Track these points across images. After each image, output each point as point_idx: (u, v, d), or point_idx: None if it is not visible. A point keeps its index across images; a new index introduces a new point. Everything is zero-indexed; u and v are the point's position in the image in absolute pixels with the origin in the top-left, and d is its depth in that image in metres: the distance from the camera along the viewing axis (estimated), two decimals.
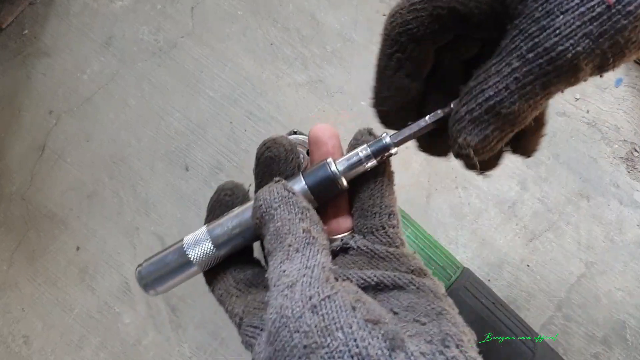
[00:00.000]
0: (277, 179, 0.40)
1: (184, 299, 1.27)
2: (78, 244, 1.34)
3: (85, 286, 1.31)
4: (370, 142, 0.40)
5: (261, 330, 0.36)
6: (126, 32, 1.48)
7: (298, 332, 0.30)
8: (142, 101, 1.42)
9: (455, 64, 0.37)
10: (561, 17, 0.27)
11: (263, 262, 0.44)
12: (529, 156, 0.40)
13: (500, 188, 1.24)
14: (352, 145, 0.41)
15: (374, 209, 0.40)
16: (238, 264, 0.42)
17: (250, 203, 0.40)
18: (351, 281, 0.37)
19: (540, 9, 0.28)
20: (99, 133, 1.41)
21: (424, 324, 0.34)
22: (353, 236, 0.40)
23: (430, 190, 1.25)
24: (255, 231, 0.39)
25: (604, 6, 0.26)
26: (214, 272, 0.42)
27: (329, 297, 0.31)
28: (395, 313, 0.35)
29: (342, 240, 0.40)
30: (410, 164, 1.27)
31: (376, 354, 0.29)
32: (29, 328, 1.29)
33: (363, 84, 1.34)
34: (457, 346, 0.31)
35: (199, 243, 0.40)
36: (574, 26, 0.27)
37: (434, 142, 0.42)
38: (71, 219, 1.36)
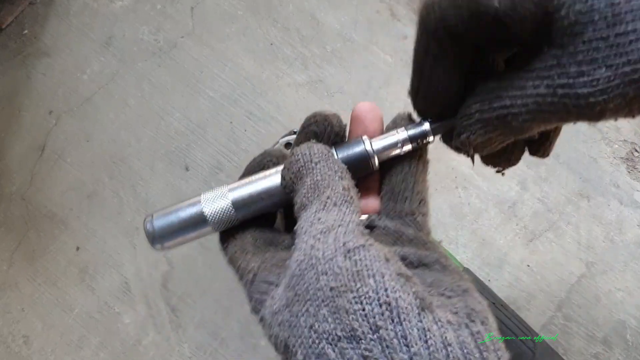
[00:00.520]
0: (314, 141, 0.38)
1: (184, 299, 1.27)
2: (78, 244, 1.34)
3: (85, 286, 1.31)
4: (410, 126, 0.38)
5: (276, 286, 0.33)
6: (126, 32, 1.48)
7: (326, 274, 0.28)
8: (142, 101, 1.42)
9: (496, 61, 0.37)
10: (604, 70, 0.26)
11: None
12: (544, 157, 0.40)
13: (500, 188, 1.24)
14: (389, 129, 0.40)
15: (405, 193, 0.39)
16: (258, 225, 0.39)
17: (279, 167, 0.38)
18: None
19: (586, 53, 0.27)
20: (99, 133, 1.41)
21: (449, 297, 0.32)
22: (380, 217, 0.39)
23: (430, 190, 1.25)
24: (286, 188, 0.37)
25: None
26: (230, 231, 0.39)
27: (363, 245, 0.30)
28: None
29: (369, 217, 0.39)
30: None
31: (406, 307, 0.28)
32: (28, 328, 1.29)
33: (363, 83, 1.34)
34: (482, 323, 0.30)
35: (217, 201, 0.38)
36: (613, 83, 0.26)
37: (498, 152, 0.41)
38: (71, 219, 1.36)
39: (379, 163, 0.38)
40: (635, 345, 1.13)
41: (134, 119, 1.41)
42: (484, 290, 0.96)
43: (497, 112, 0.32)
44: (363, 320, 0.27)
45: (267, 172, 0.38)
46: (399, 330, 0.27)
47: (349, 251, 0.29)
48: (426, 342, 0.27)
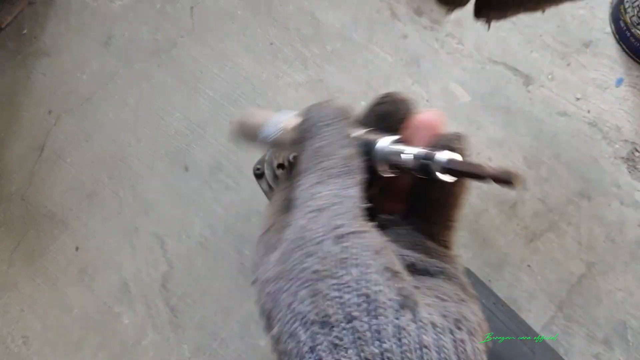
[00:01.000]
0: (330, 100, 0.37)
1: (184, 299, 1.26)
2: (77, 244, 1.34)
3: (85, 286, 1.30)
4: (423, 154, 0.32)
5: (275, 249, 0.33)
6: (126, 31, 1.48)
7: (312, 256, 0.28)
8: (141, 101, 1.41)
9: None
10: None
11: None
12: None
13: (500, 188, 1.23)
14: (431, 144, 0.35)
15: (434, 216, 0.37)
16: None
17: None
18: None
19: None
20: (98, 133, 1.41)
21: (444, 300, 0.32)
22: (406, 224, 0.37)
23: None
24: (291, 145, 0.37)
25: None
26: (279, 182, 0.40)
27: (355, 232, 0.29)
28: (416, 287, 0.32)
29: (392, 215, 0.37)
30: None
31: (384, 302, 0.27)
32: (28, 328, 1.29)
33: (363, 83, 1.34)
34: (469, 332, 0.30)
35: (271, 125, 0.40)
36: None
37: None
38: (71, 219, 1.36)
39: (390, 171, 0.35)
40: (636, 345, 1.13)
41: (134, 119, 1.40)
42: (485, 290, 0.96)
43: None
44: (339, 308, 0.27)
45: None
46: (374, 324, 0.27)
47: (338, 237, 0.29)
48: (399, 340, 0.27)
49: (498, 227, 1.21)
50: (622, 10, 1.28)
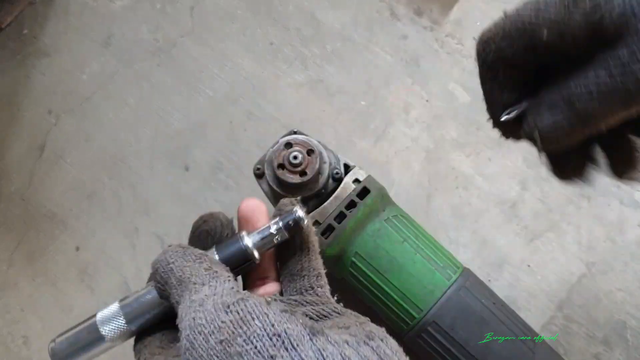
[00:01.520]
0: (169, 245, 0.41)
1: None
2: (78, 244, 1.34)
3: (85, 286, 1.30)
4: (282, 216, 0.42)
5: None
6: (125, 31, 1.48)
7: (213, 333, 0.29)
8: (141, 101, 1.42)
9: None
10: None
11: None
12: (633, 177, 0.44)
13: (500, 188, 1.23)
14: (274, 215, 0.43)
15: (303, 272, 0.42)
16: (167, 327, 0.42)
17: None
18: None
19: (637, 40, 0.30)
20: (98, 133, 1.41)
21: (348, 327, 0.34)
22: (282, 297, 0.42)
23: (430, 190, 1.24)
24: (161, 297, 0.40)
25: None
26: (140, 337, 0.43)
27: (242, 299, 0.31)
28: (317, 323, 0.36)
29: (272, 297, 0.41)
30: (410, 163, 1.26)
31: (297, 335, 0.29)
32: (28, 328, 1.29)
33: (363, 83, 1.34)
34: (382, 340, 0.32)
35: (111, 319, 0.41)
36: None
37: (565, 164, 0.45)
38: (71, 219, 1.36)
39: (262, 253, 0.42)
40: (635, 345, 1.13)
41: (134, 119, 1.40)
42: (485, 290, 0.96)
43: (564, 95, 0.35)
44: (257, 356, 0.28)
45: (151, 283, 0.43)
46: (295, 356, 0.27)
47: (228, 306, 0.30)
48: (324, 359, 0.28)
49: (498, 227, 1.22)
50: None
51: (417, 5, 1.39)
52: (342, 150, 1.03)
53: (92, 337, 0.42)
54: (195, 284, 0.34)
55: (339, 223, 0.89)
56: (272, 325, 0.29)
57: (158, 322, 0.43)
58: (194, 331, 0.30)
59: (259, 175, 0.91)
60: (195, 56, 1.43)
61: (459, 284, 0.90)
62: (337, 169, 0.91)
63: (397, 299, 0.90)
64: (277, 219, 0.42)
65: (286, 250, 0.43)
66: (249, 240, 0.41)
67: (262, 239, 0.41)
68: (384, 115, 1.31)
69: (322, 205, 0.89)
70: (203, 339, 0.29)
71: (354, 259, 0.91)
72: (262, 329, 0.28)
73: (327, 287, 0.43)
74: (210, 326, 0.29)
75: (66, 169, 1.40)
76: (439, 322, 0.88)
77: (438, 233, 1.20)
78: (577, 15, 0.32)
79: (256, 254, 0.41)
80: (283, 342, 0.28)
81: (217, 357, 0.28)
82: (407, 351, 0.37)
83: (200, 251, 0.39)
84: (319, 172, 0.87)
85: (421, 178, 1.25)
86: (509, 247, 1.20)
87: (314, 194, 0.89)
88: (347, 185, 0.91)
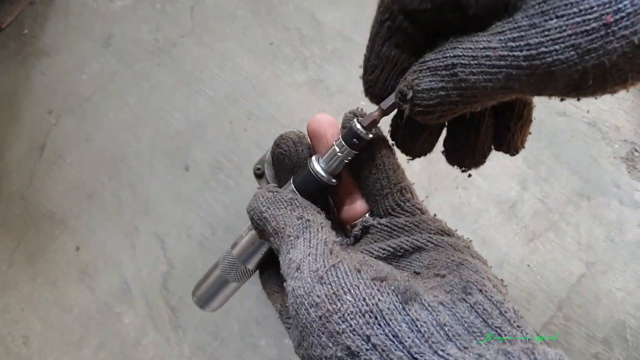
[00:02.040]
0: (258, 187, 0.42)
1: (184, 298, 1.26)
2: (78, 244, 1.34)
3: (85, 286, 1.30)
4: (344, 133, 0.39)
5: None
6: (126, 31, 1.48)
7: (313, 306, 0.31)
8: (141, 101, 1.42)
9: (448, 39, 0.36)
10: (554, 20, 0.26)
11: None
12: (513, 154, 0.40)
13: (500, 188, 1.24)
14: (340, 131, 0.42)
15: (384, 190, 0.41)
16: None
17: None
18: (372, 254, 0.38)
19: (537, 7, 0.27)
20: (98, 133, 1.41)
21: (444, 276, 0.34)
22: (374, 218, 0.41)
23: (430, 190, 1.24)
24: (263, 238, 0.41)
25: (600, 22, 0.25)
26: (265, 272, 0.46)
27: (333, 266, 0.32)
28: (417, 273, 0.36)
29: (362, 221, 0.41)
30: (410, 164, 1.27)
31: (388, 308, 0.29)
32: (28, 328, 1.29)
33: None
34: (480, 291, 0.31)
35: (231, 266, 0.46)
36: (564, 33, 0.26)
37: (410, 138, 0.40)
38: (71, 219, 1.36)
39: (336, 175, 0.40)
40: (635, 345, 1.13)
41: (134, 119, 1.40)
42: None
43: (448, 61, 0.31)
44: (354, 335, 0.29)
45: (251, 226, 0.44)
46: (389, 331, 0.28)
47: (321, 278, 0.31)
48: (419, 331, 0.28)
49: (498, 227, 1.22)
50: None
51: None
52: None
53: (222, 282, 0.48)
54: (290, 236, 0.36)
55: None
56: (364, 300, 0.30)
57: (272, 253, 0.44)
58: (297, 301, 0.32)
59: (259, 175, 0.91)
60: (195, 56, 1.43)
61: None
62: None
63: None
64: (339, 136, 0.39)
65: (361, 169, 0.41)
66: (319, 167, 0.40)
67: (330, 161, 0.39)
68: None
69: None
70: (305, 310, 0.31)
71: None
72: (354, 305, 0.30)
73: (416, 197, 0.42)
74: (309, 298, 0.31)
75: (66, 169, 1.40)
76: None
77: None
78: None
79: (330, 178, 0.40)
80: (376, 318, 0.29)
81: (320, 330, 0.30)
82: None
83: (289, 195, 0.39)
84: None
85: (421, 178, 1.25)
86: (509, 246, 1.20)
87: None
88: None
